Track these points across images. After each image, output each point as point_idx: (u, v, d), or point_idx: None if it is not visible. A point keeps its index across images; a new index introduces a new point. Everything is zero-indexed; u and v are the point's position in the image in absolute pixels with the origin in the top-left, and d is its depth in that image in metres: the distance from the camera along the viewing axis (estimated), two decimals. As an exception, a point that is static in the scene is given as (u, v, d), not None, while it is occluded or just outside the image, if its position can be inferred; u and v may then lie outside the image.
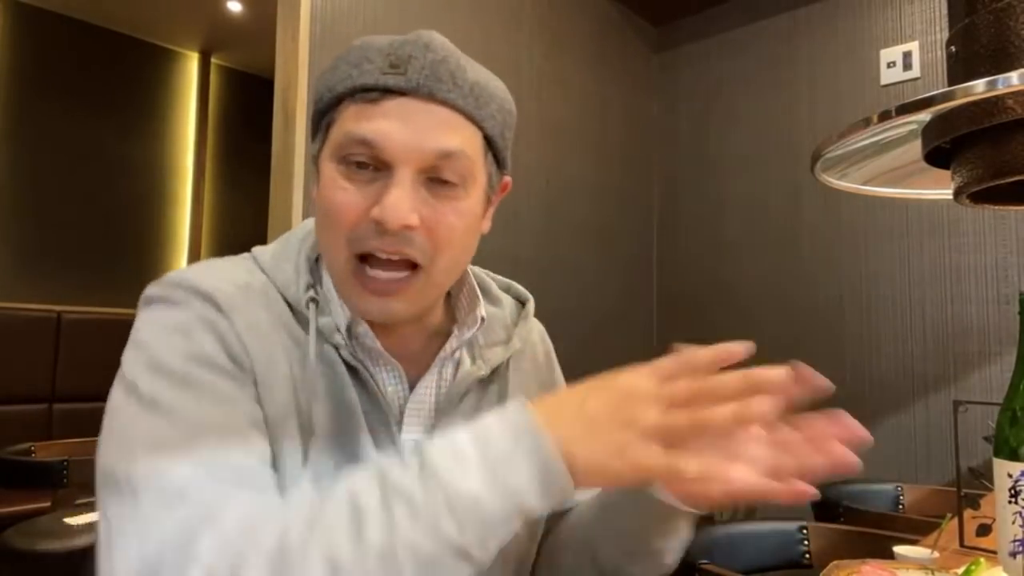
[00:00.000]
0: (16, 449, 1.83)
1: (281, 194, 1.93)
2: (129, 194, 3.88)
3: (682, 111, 3.20)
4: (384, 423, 0.62)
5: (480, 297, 0.70)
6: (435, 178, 0.58)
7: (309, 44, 1.94)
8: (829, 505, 1.63)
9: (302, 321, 0.61)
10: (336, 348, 0.61)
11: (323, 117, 0.60)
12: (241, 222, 4.33)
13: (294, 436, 0.57)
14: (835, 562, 0.90)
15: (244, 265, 0.65)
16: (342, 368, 0.61)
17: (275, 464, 0.56)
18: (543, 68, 2.71)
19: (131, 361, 0.56)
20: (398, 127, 0.56)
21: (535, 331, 0.82)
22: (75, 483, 1.58)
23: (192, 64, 4.18)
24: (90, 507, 1.14)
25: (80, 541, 1.05)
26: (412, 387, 0.66)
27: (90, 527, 1.07)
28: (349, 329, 0.62)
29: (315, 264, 0.66)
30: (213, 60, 4.26)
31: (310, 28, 1.95)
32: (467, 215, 0.60)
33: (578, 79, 2.88)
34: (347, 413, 0.60)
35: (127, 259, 3.85)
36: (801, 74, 2.82)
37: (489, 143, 0.62)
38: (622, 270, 3.05)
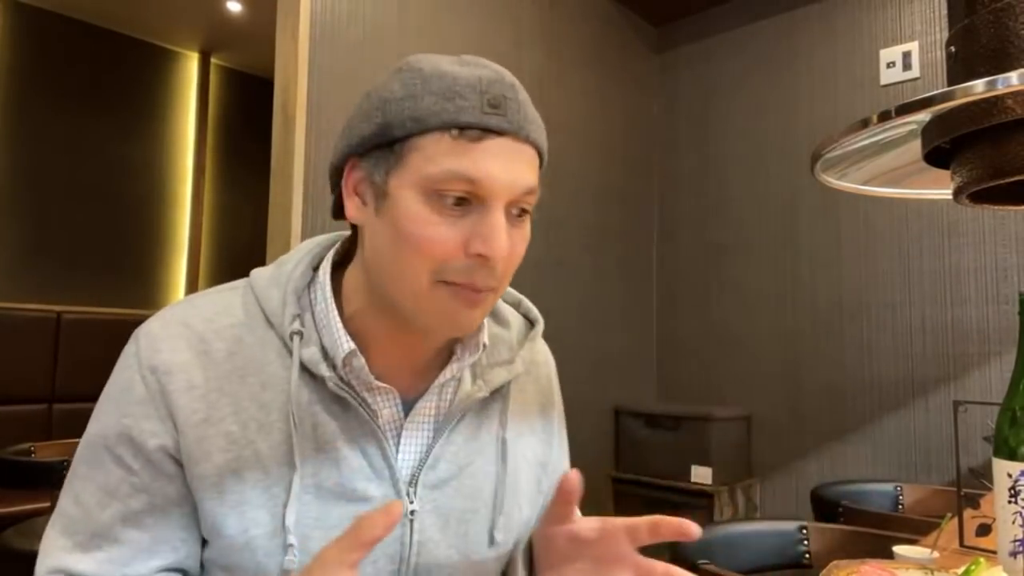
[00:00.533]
0: (16, 449, 1.83)
1: (281, 194, 1.93)
2: (129, 194, 3.88)
3: (682, 111, 3.20)
4: (378, 446, 0.63)
5: (484, 324, 0.69)
6: (516, 210, 0.60)
7: (309, 44, 1.94)
8: (829, 505, 1.63)
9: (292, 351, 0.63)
10: (323, 381, 0.62)
11: (396, 143, 0.58)
12: (241, 222, 4.33)
13: (273, 470, 0.60)
14: (835, 562, 0.90)
15: (233, 299, 0.66)
16: (328, 399, 0.63)
17: (247, 503, 0.60)
18: (543, 68, 2.71)
19: (92, 416, 0.64)
20: (501, 166, 0.57)
21: (541, 353, 0.82)
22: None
23: (192, 64, 4.18)
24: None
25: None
26: (409, 409, 0.66)
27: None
28: (344, 360, 0.62)
29: (306, 290, 0.67)
30: (213, 60, 4.26)
31: (310, 28, 1.95)
32: (527, 240, 0.64)
33: (578, 79, 2.88)
34: (332, 444, 0.62)
35: (127, 259, 3.85)
36: (801, 74, 2.82)
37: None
38: (622, 270, 3.05)
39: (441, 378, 0.66)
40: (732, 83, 3.03)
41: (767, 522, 1.36)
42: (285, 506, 0.59)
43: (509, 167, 0.57)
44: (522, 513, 0.72)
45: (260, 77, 4.39)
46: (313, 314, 0.65)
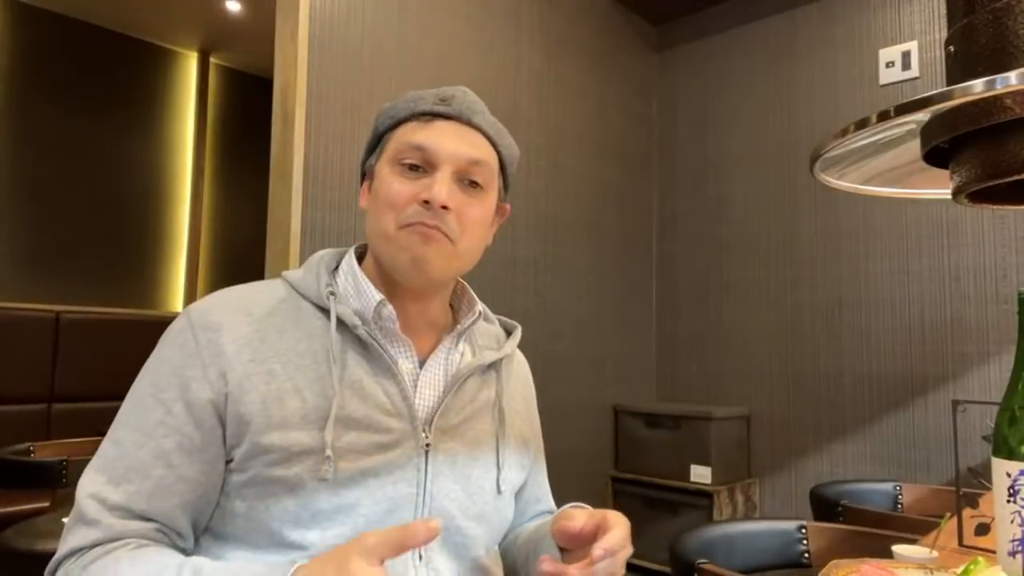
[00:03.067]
0: (15, 449, 1.82)
1: (280, 193, 1.93)
2: (128, 194, 3.88)
3: (681, 110, 3.21)
4: (400, 389, 0.76)
5: (477, 301, 0.88)
6: (466, 180, 0.78)
7: (308, 44, 1.94)
8: (828, 504, 1.63)
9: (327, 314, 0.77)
10: (353, 329, 0.75)
11: (382, 137, 0.81)
12: (240, 222, 4.33)
13: (310, 400, 0.71)
14: (834, 561, 0.90)
15: (269, 283, 0.81)
16: (359, 346, 0.76)
17: (289, 429, 0.70)
18: (543, 68, 2.71)
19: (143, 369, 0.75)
20: (444, 138, 0.77)
21: (519, 354, 0.97)
22: (74, 483, 1.57)
23: (191, 64, 4.18)
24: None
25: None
26: (422, 364, 0.80)
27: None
28: (375, 310, 0.76)
29: (335, 271, 0.83)
30: (212, 60, 4.26)
31: (309, 28, 1.95)
32: (484, 211, 0.80)
33: (578, 79, 2.88)
34: (361, 383, 0.74)
35: (126, 259, 3.85)
36: (800, 73, 2.82)
37: (502, 167, 0.84)
38: (621, 269, 3.06)
39: (448, 339, 0.83)
40: (731, 82, 3.03)
41: (766, 521, 1.36)
42: (322, 429, 0.69)
43: (452, 141, 0.77)
44: (512, 475, 0.85)
45: (259, 77, 4.39)
46: (342, 286, 0.80)
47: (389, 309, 0.77)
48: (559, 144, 2.77)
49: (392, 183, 0.76)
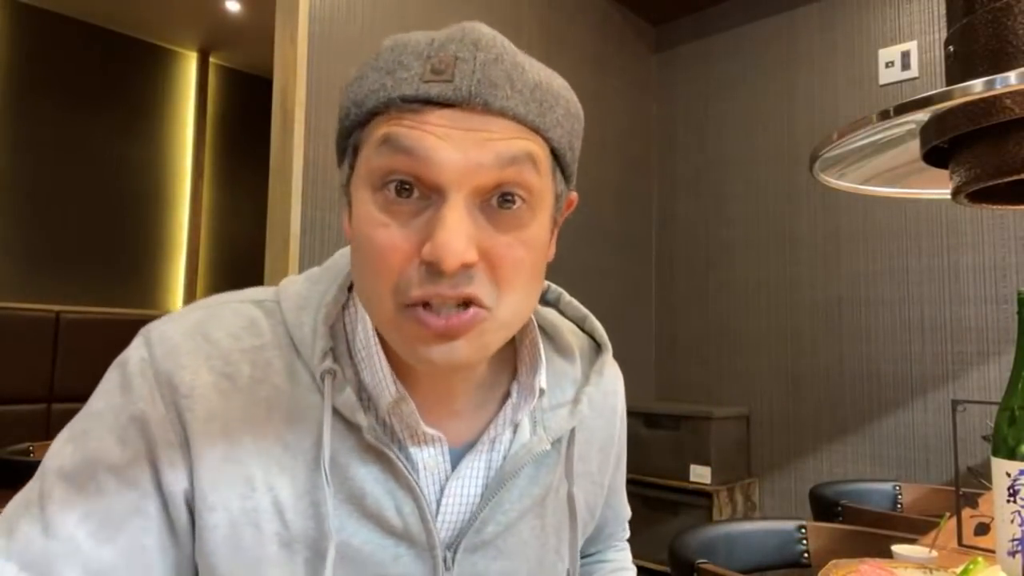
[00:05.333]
0: (14, 449, 1.82)
1: (279, 194, 1.93)
2: (127, 193, 3.87)
3: (681, 110, 3.20)
4: (416, 507, 0.54)
5: (543, 359, 0.59)
6: (496, 199, 0.47)
7: (308, 44, 1.94)
8: (828, 504, 1.63)
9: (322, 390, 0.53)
10: (360, 429, 0.52)
11: (350, 136, 0.50)
12: (239, 222, 4.33)
13: (295, 523, 0.51)
14: (833, 561, 0.90)
15: (258, 315, 0.55)
16: (363, 449, 0.53)
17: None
18: (542, 68, 2.71)
19: (65, 431, 0.54)
20: (447, 145, 0.45)
21: (609, 381, 0.69)
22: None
23: (191, 64, 4.18)
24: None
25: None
26: (455, 458, 0.56)
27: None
28: (391, 407, 0.53)
29: (342, 312, 0.56)
30: (212, 60, 4.25)
31: (309, 28, 1.95)
32: (535, 244, 0.49)
33: (578, 79, 2.88)
34: (363, 501, 0.53)
35: (125, 259, 3.85)
36: (800, 73, 2.82)
37: (556, 156, 0.52)
38: (621, 269, 3.06)
39: (493, 429, 0.57)
40: (731, 82, 3.03)
41: (766, 521, 1.36)
42: (309, 564, 0.51)
43: (458, 144, 0.45)
44: (564, 564, 0.64)
45: (259, 76, 4.38)
46: (349, 345, 0.55)
47: (410, 407, 0.53)
48: (559, 144, 2.76)
49: (376, 229, 0.46)
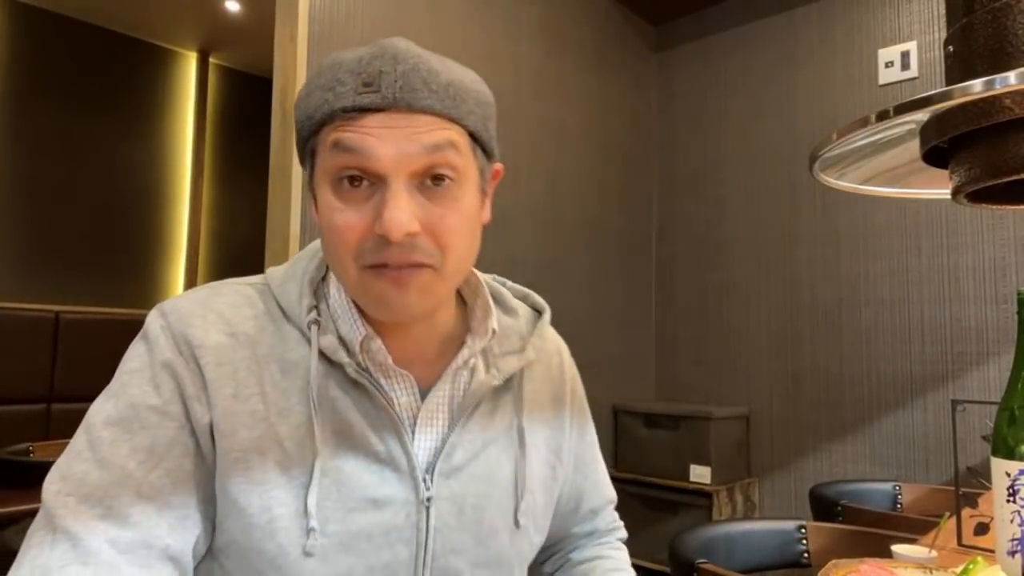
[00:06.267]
0: (14, 449, 1.82)
1: (279, 193, 1.93)
2: (127, 194, 3.87)
3: (681, 110, 3.21)
4: (395, 434, 0.64)
5: (493, 308, 0.71)
6: (429, 179, 0.59)
7: (307, 44, 1.94)
8: (827, 504, 1.63)
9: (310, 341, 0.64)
10: (341, 366, 0.63)
11: (307, 144, 0.62)
12: (239, 222, 4.33)
13: (293, 452, 0.61)
14: (833, 561, 0.90)
15: (252, 292, 0.67)
16: (347, 385, 0.64)
17: (268, 487, 0.60)
18: (543, 68, 2.71)
19: (102, 396, 0.61)
20: (382, 142, 0.57)
21: (550, 341, 0.83)
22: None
23: (190, 64, 4.18)
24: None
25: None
26: (424, 396, 0.67)
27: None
28: (362, 344, 0.64)
29: (321, 283, 0.68)
30: (211, 60, 4.25)
31: (308, 28, 1.95)
32: (466, 212, 0.62)
33: (578, 79, 2.88)
34: (351, 430, 0.63)
35: (125, 259, 3.85)
36: (799, 73, 2.82)
37: (474, 138, 0.63)
38: (621, 269, 3.06)
39: (454, 364, 0.68)
40: (731, 82, 3.03)
41: (766, 521, 1.36)
42: (306, 488, 0.60)
43: (393, 142, 0.57)
44: (536, 498, 0.74)
45: (259, 76, 4.38)
46: (328, 305, 0.67)
47: (377, 343, 0.64)
48: (559, 144, 2.77)
49: (334, 213, 0.59)
